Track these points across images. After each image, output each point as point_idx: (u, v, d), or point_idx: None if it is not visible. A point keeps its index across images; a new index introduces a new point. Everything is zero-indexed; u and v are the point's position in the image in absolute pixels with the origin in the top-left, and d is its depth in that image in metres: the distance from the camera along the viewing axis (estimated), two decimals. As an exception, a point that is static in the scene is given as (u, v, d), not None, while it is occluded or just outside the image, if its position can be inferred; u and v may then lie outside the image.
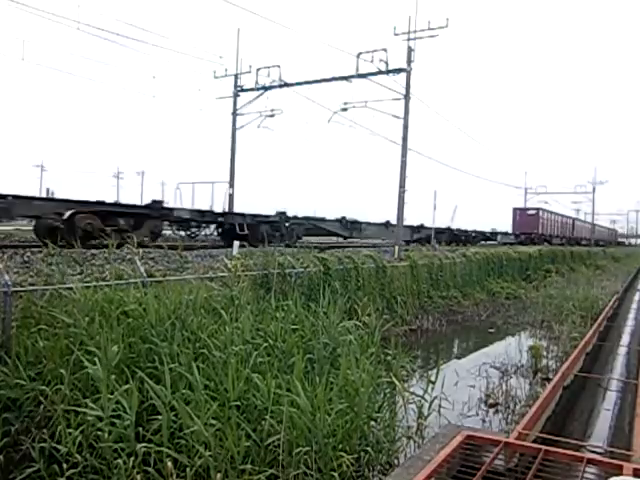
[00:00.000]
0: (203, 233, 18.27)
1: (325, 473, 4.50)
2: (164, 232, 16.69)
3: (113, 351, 5.20)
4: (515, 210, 48.10)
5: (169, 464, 4.15)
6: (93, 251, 10.30)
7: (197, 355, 5.76)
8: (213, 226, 18.37)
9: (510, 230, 46.83)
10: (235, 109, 23.88)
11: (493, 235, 43.43)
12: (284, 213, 19.67)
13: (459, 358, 11.60)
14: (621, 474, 3.12)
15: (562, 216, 56.84)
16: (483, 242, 39.85)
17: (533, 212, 47.50)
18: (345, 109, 21.24)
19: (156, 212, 15.05)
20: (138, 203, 16.95)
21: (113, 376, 4.95)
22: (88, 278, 7.91)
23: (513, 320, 15.33)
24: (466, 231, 37.59)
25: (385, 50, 18.35)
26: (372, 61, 18.49)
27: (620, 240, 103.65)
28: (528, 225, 45.33)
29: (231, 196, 24.06)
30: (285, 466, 4.45)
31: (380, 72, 18.55)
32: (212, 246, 15.80)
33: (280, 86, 21.87)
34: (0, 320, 5.95)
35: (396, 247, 17.55)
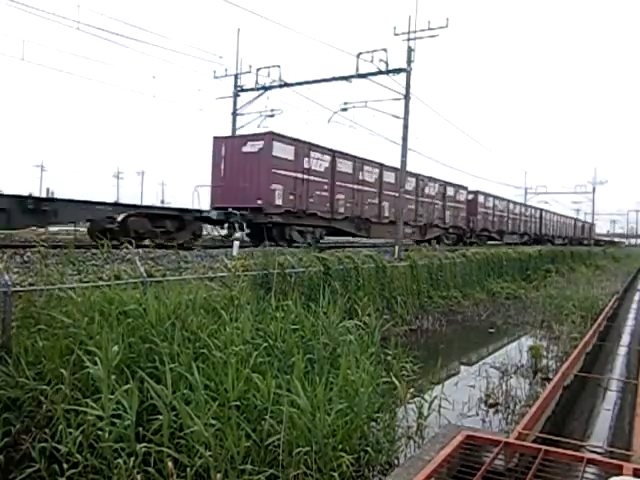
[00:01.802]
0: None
1: (325, 473, 4.50)
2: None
3: (113, 351, 5.20)
4: (218, 143, 18.13)
5: (169, 464, 4.15)
6: (93, 251, 10.30)
7: (197, 355, 5.75)
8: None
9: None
10: (235, 109, 23.86)
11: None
12: None
13: (459, 358, 11.61)
14: (621, 474, 3.13)
15: (437, 182, 28.25)
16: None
17: (256, 146, 17.30)
18: (345, 109, 21.24)
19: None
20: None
21: (113, 376, 4.95)
22: (87, 278, 7.91)
23: (513, 320, 15.33)
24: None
25: (385, 50, 18.36)
26: (372, 61, 18.50)
27: (611, 240, 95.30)
28: (249, 185, 16.95)
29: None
30: (285, 466, 4.45)
31: (380, 72, 18.55)
32: (212, 246, 15.79)
33: (280, 86, 21.86)
34: (0, 320, 5.94)
35: (396, 247, 17.56)
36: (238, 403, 4.89)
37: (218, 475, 4.13)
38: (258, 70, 22.50)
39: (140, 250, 10.95)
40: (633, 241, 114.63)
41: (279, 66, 21.70)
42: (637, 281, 25.57)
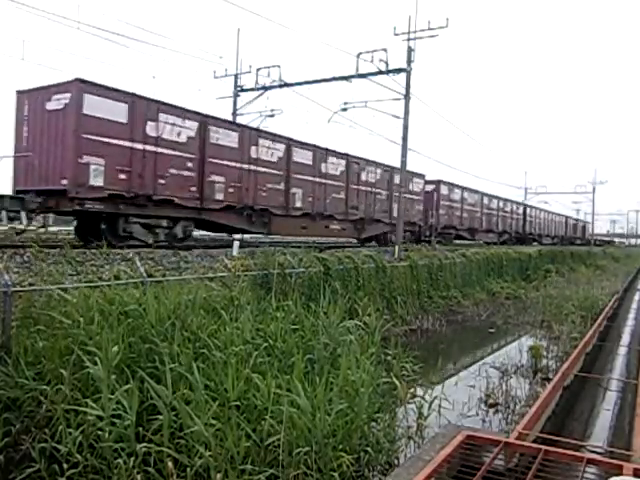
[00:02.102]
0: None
1: (325, 473, 4.50)
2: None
3: (113, 351, 5.20)
4: (21, 99, 12.71)
5: (169, 464, 4.15)
6: (93, 251, 10.31)
7: (197, 355, 5.75)
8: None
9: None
10: (235, 109, 23.86)
11: None
12: None
13: (459, 358, 11.61)
14: (621, 474, 3.13)
15: (380, 166, 23.09)
16: None
17: (62, 101, 11.96)
18: (345, 109, 21.27)
19: None
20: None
21: (113, 376, 4.95)
22: (87, 278, 7.90)
23: (513, 320, 15.32)
24: None
25: (385, 50, 18.40)
26: (372, 61, 18.53)
27: (610, 239, 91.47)
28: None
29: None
30: (285, 466, 4.44)
31: (380, 72, 18.57)
32: (212, 246, 15.80)
33: (280, 86, 21.87)
34: (0, 320, 5.94)
35: (396, 247, 17.56)
36: (238, 403, 4.89)
37: (218, 475, 4.13)
38: (258, 70, 22.53)
39: (140, 250, 10.94)
40: (633, 241, 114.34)
41: (279, 66, 21.74)
42: (637, 281, 25.57)
